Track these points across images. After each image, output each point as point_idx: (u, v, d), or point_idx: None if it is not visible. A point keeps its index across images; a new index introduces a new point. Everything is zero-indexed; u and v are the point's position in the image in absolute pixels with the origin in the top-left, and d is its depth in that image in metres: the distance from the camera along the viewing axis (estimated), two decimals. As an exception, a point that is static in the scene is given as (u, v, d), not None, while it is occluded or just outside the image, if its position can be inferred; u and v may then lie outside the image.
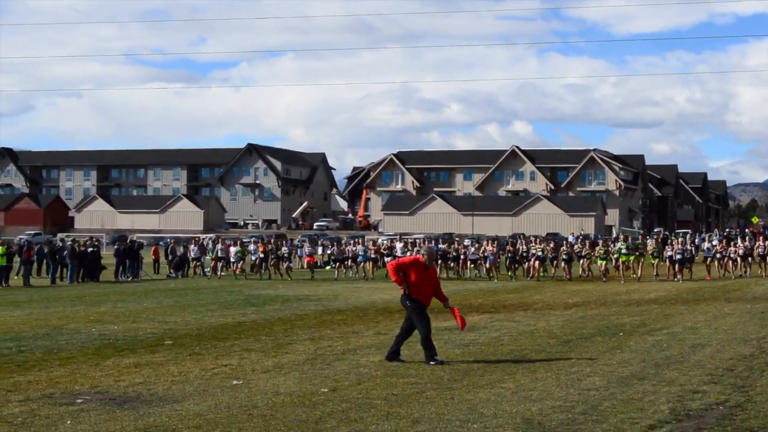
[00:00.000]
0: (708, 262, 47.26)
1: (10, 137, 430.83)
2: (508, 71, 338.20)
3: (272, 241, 59.64)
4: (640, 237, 55.32)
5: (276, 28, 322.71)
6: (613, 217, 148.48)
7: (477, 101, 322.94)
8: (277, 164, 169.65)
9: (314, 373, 15.79)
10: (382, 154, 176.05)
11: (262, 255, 50.54)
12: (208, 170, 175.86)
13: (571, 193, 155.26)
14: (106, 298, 34.17)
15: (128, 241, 51.39)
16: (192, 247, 53.64)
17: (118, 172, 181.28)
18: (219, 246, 52.29)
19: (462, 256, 49.55)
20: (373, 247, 52.15)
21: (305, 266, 53.24)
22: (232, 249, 51.54)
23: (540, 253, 47.09)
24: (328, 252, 56.13)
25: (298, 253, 57.40)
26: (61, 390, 14.26)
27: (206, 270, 52.28)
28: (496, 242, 51.87)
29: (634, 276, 44.79)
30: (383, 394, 13.68)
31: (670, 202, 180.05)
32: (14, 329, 23.11)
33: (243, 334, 21.65)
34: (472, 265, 49.30)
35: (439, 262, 46.58)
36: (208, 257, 53.52)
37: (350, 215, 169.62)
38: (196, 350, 18.84)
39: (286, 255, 51.01)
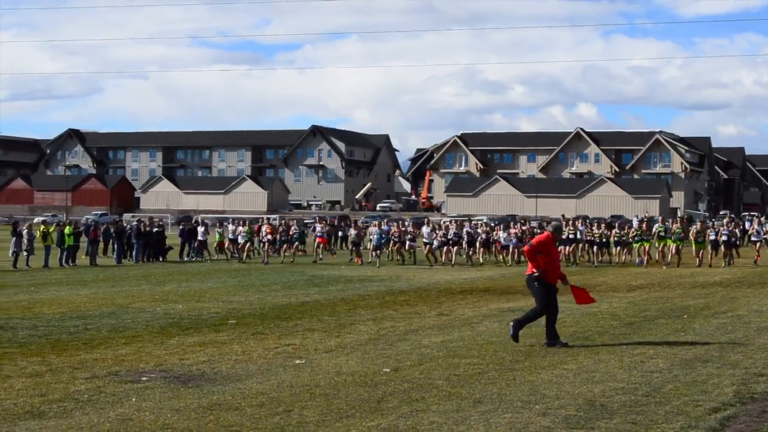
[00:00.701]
0: (758, 247, 43.73)
1: (79, 119, 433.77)
2: (573, 53, 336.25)
3: (283, 223, 58.10)
4: (679, 221, 48.49)
5: (340, 10, 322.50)
6: (678, 199, 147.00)
7: (541, 83, 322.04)
8: (341, 146, 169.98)
9: (376, 353, 15.84)
10: (446, 136, 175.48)
11: (269, 237, 46.69)
12: (272, 152, 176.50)
13: (635, 176, 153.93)
14: (170, 278, 34.51)
15: (193, 221, 51.46)
16: (232, 227, 50.42)
17: (183, 153, 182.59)
18: (230, 227, 50.62)
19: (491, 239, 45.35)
20: (397, 230, 46.77)
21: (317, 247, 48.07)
22: (241, 229, 48.46)
23: (597, 239, 43.58)
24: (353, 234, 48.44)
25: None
26: (126, 368, 14.45)
27: (233, 253, 49.39)
28: (523, 225, 47.07)
29: (673, 263, 41.03)
30: (445, 374, 13.70)
31: (737, 184, 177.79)
32: (81, 308, 23.42)
33: (306, 314, 21.76)
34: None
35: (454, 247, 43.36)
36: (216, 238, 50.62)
37: (413, 197, 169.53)
38: (259, 330, 18.98)
39: (296, 237, 49.17)
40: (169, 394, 12.48)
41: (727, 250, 41.27)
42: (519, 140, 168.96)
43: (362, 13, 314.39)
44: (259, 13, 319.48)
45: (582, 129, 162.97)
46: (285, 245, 48.09)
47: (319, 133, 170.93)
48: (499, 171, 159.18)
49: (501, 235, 44.69)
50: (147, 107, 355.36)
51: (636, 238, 42.82)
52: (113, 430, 10.41)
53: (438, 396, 12.14)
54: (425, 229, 45.34)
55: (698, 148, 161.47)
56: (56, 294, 27.81)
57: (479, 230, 46.92)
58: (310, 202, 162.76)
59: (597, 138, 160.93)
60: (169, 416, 11.11)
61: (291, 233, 49.61)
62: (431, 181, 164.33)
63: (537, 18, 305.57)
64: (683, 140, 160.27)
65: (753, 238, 45.66)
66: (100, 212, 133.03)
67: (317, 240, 48.44)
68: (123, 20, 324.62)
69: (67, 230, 43.81)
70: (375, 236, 43.89)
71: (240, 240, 47.95)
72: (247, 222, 52.61)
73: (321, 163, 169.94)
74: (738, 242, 43.42)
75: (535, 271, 16.52)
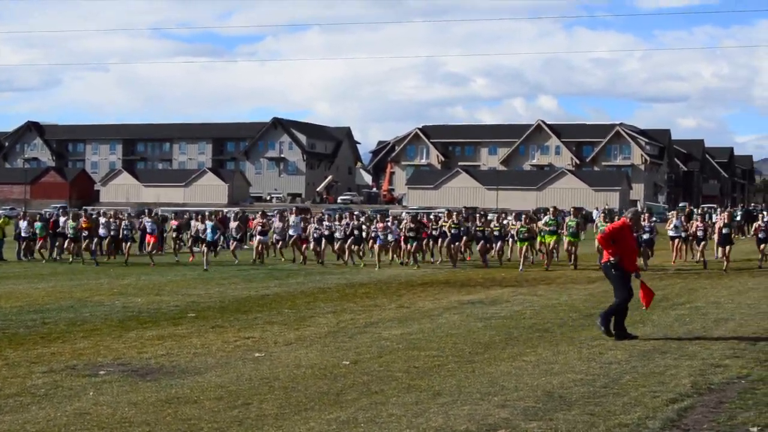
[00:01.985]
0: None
1: (38, 111, 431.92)
2: (535, 45, 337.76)
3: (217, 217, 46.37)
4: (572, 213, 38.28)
5: (302, 2, 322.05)
6: (638, 191, 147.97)
7: (502, 75, 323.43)
8: (302, 138, 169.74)
9: (336, 345, 15.83)
10: (407, 129, 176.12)
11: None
12: (233, 144, 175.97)
13: (596, 168, 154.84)
14: (129, 271, 34.30)
15: (153, 214, 51.06)
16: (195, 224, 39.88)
17: (144, 146, 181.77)
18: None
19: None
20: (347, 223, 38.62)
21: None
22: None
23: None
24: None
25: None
26: (84, 362, 14.35)
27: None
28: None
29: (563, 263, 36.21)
30: (404, 366, 13.70)
31: (696, 176, 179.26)
32: (38, 301, 23.24)
33: (265, 307, 21.69)
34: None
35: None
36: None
37: (375, 189, 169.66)
38: (219, 323, 18.91)
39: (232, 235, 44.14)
40: (127, 387, 12.40)
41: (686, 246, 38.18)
42: (480, 132, 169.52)
43: (324, 5, 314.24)
44: (221, 5, 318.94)
45: (543, 121, 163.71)
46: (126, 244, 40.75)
47: (280, 125, 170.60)
48: (460, 163, 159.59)
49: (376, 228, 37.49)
50: (107, 99, 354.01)
51: (520, 235, 35.70)
52: (70, 424, 10.34)
53: (397, 388, 12.13)
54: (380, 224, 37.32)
55: (658, 140, 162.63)
56: (13, 288, 27.57)
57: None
58: (272, 195, 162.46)
59: (558, 130, 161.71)
60: (127, 410, 11.04)
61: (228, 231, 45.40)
62: (392, 173, 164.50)
63: (499, 10, 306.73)
64: (643, 132, 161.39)
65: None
66: (59, 205, 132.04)
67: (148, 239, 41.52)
68: (85, 12, 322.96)
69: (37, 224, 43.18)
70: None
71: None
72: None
73: (282, 155, 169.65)
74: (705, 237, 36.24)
75: (611, 258, 16.33)
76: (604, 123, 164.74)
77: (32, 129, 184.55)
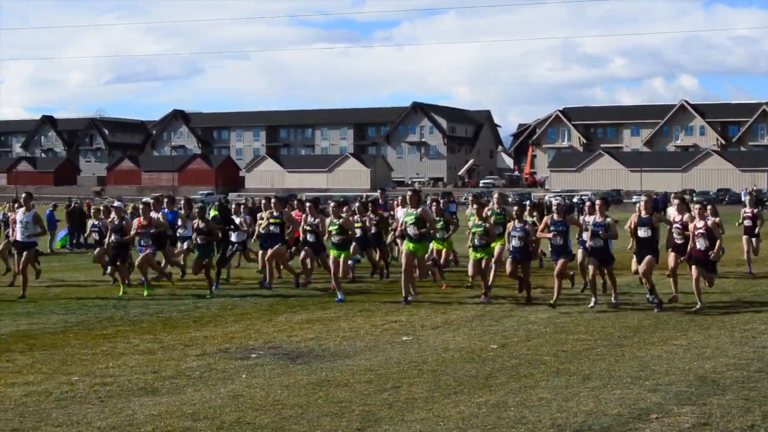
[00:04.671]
0: None
1: (182, 100, 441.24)
2: (673, 24, 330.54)
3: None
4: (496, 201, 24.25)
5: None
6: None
7: (641, 55, 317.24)
8: (443, 122, 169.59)
9: (483, 329, 15.84)
10: (546, 111, 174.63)
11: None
12: (374, 129, 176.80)
13: (743, 148, 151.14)
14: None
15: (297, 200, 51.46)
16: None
17: (287, 132, 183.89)
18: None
19: None
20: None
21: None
22: None
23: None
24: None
25: None
26: (236, 345, 14.65)
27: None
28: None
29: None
30: (552, 350, 13.64)
31: None
32: (191, 286, 23.71)
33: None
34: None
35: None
36: None
37: (516, 173, 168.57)
38: (366, 307, 19.07)
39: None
40: (279, 370, 12.62)
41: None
42: (622, 114, 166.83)
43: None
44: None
45: (686, 101, 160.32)
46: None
47: (420, 109, 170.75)
48: (602, 145, 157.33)
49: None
50: (249, 87, 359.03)
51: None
52: (224, 406, 10.56)
53: (546, 372, 12.10)
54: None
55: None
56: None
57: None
58: (413, 179, 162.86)
59: (702, 110, 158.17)
60: (279, 392, 11.24)
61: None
62: (534, 156, 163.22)
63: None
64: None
65: None
66: (206, 192, 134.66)
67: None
68: (223, 1, 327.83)
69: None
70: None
71: None
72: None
73: (423, 139, 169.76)
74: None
75: None
76: (749, 102, 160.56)
77: (178, 117, 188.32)
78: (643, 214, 18.45)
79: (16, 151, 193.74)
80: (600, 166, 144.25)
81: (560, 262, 19.15)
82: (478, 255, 20.19)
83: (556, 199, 24.15)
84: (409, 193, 20.51)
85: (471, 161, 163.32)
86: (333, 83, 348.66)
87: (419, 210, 19.91)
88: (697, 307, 17.63)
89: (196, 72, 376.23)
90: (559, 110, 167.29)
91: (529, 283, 19.76)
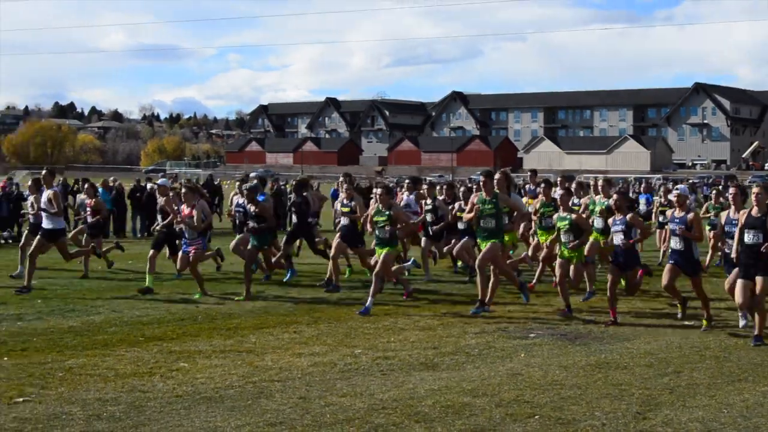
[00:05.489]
0: None
1: (460, 82, 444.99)
2: None
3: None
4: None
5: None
6: None
7: None
8: (726, 103, 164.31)
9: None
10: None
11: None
12: (654, 110, 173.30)
13: None
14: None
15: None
16: None
17: (565, 114, 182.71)
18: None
19: None
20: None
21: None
22: None
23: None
24: None
25: None
26: (515, 324, 14.74)
27: None
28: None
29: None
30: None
31: None
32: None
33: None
34: None
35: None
36: None
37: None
38: (645, 289, 18.70)
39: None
40: (557, 351, 12.64)
41: None
42: None
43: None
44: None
45: None
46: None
47: (702, 90, 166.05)
48: None
49: None
50: (526, 68, 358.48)
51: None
52: (503, 383, 10.66)
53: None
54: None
55: None
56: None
57: None
58: (695, 162, 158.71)
59: None
60: (558, 372, 11.26)
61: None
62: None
63: None
64: None
65: None
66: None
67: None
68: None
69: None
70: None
71: None
72: None
73: (705, 121, 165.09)
74: None
75: None
76: None
77: (457, 99, 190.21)
78: (755, 211, 13.42)
79: (301, 131, 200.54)
80: None
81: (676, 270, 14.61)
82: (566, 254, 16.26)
83: (679, 187, 18.12)
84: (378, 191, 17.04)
85: (756, 143, 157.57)
86: (611, 64, 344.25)
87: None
88: None
89: (473, 54, 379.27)
90: None
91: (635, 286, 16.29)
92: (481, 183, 16.28)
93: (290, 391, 10.31)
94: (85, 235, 22.21)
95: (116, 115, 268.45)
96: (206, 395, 10.08)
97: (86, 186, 23.08)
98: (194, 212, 18.29)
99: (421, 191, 21.55)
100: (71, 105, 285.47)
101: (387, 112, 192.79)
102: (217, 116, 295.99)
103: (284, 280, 20.35)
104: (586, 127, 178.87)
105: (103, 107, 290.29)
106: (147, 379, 10.89)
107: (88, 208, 21.93)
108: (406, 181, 22.92)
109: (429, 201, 20.75)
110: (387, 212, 16.55)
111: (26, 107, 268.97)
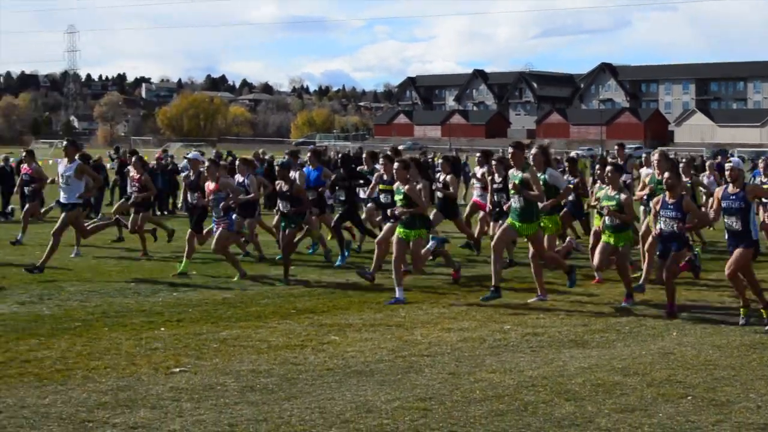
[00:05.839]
0: None
1: (609, 53, 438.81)
2: None
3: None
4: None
5: None
6: None
7: None
8: None
9: None
10: None
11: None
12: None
13: None
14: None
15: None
16: None
17: (717, 86, 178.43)
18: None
19: None
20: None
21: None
22: None
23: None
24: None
25: None
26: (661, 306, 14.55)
27: None
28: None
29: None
30: None
31: None
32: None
33: None
34: None
35: None
36: None
37: None
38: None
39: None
40: (710, 330, 12.47)
41: None
42: None
43: None
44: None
45: None
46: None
47: None
48: None
49: None
50: (677, 39, 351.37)
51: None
52: (655, 363, 10.56)
53: None
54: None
55: None
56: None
57: None
58: None
59: None
60: (711, 352, 11.10)
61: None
62: None
63: None
64: None
65: None
66: (634, 146, 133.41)
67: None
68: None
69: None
70: None
71: None
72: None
73: None
74: None
75: None
76: None
77: (605, 70, 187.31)
78: None
79: (449, 104, 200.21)
80: None
81: (737, 252, 12.83)
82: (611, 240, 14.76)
83: (732, 160, 13.88)
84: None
85: None
86: (765, 33, 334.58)
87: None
88: None
89: (623, 24, 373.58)
90: None
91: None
92: (510, 155, 15.04)
93: (440, 366, 10.39)
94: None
95: (266, 88, 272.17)
96: (357, 369, 10.23)
97: (134, 160, 21.80)
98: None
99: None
100: (223, 77, 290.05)
101: (535, 84, 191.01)
102: (365, 88, 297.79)
103: (336, 264, 18.98)
104: (740, 99, 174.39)
105: (253, 80, 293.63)
106: (299, 351, 11.11)
107: (136, 184, 20.72)
108: (477, 155, 21.45)
109: (498, 178, 17.83)
110: (403, 190, 15.08)
111: (179, 80, 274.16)
